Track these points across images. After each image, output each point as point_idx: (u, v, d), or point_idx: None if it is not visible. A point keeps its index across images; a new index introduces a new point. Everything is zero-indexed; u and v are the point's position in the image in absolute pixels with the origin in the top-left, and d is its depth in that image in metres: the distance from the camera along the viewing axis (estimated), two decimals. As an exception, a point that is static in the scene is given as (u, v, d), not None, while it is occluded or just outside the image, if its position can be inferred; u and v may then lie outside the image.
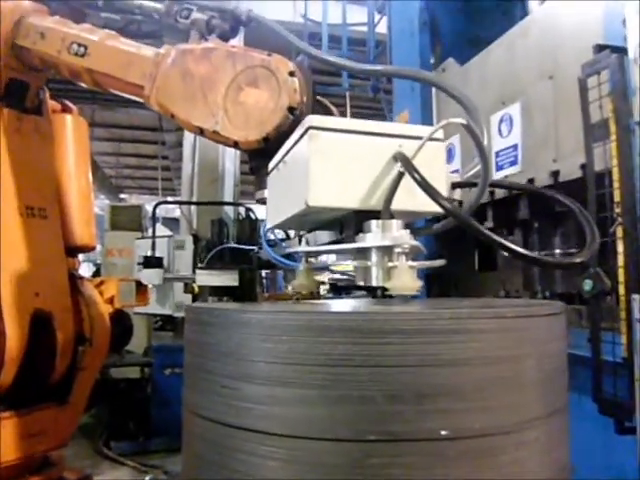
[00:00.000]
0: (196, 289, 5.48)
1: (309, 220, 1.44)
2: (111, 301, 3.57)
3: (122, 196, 17.32)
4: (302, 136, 1.31)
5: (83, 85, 2.55)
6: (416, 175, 1.22)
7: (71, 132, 3.53)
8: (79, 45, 2.35)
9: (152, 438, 5.44)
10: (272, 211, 1.58)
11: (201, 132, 1.98)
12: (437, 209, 1.23)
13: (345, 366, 0.80)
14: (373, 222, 1.27)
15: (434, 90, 4.51)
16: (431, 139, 1.31)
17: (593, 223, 1.39)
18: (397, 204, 1.26)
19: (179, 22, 2.26)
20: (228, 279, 5.16)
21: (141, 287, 3.67)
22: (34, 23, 2.60)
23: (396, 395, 0.79)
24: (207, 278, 5.36)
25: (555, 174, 2.90)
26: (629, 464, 2.41)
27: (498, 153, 3.54)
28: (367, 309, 0.91)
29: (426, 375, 0.80)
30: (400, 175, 1.26)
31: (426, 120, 4.51)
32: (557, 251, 3.26)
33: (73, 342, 3.10)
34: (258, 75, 1.83)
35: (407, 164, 1.24)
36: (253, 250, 4.10)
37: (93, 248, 3.50)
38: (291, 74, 1.77)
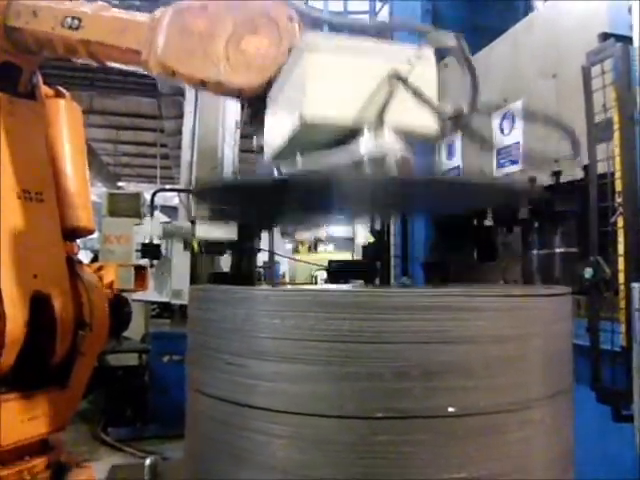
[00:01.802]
0: (195, 247, 5.53)
1: (304, 144, 1.41)
2: (110, 286, 3.56)
3: (120, 184, 17.24)
4: (299, 57, 1.35)
5: (79, 61, 2.55)
6: (410, 86, 1.26)
7: (65, 117, 3.50)
8: (73, 18, 2.35)
9: (149, 424, 5.46)
10: (269, 141, 1.58)
11: (204, 85, 1.99)
12: (428, 126, 1.28)
13: (353, 342, 0.80)
14: (365, 130, 1.27)
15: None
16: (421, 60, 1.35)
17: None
18: (389, 119, 1.27)
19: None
20: (227, 232, 5.19)
21: (140, 272, 3.66)
22: (25, 3, 2.57)
23: (404, 372, 0.79)
24: (206, 230, 5.39)
25: (557, 174, 2.89)
26: (625, 451, 2.43)
27: (499, 151, 3.52)
28: (374, 287, 0.90)
29: (434, 352, 0.80)
30: (392, 91, 1.27)
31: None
32: (557, 250, 3.27)
33: (73, 325, 3.10)
34: (258, 23, 1.86)
35: (401, 79, 1.27)
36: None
37: (92, 231, 3.48)
38: (290, 19, 1.82)
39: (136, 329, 6.66)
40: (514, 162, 3.41)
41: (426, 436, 0.80)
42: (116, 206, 7.61)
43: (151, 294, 6.61)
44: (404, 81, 1.25)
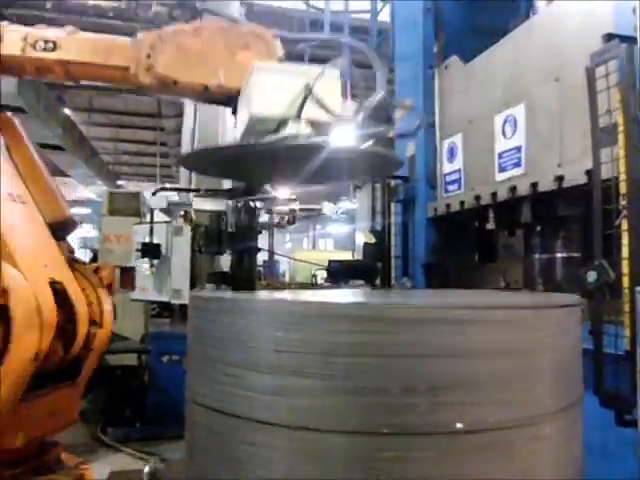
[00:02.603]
0: (194, 217, 5.64)
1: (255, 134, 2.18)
2: (109, 287, 3.56)
3: (120, 182, 17.17)
4: (251, 74, 2.10)
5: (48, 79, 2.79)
6: (311, 93, 2.07)
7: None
8: (46, 42, 2.54)
9: (148, 425, 5.43)
10: (238, 127, 2.30)
11: (206, 89, 2.45)
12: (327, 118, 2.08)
13: (358, 356, 0.77)
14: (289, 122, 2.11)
15: (437, 80, 4.48)
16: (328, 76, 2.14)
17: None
18: (305, 114, 2.07)
19: (139, 16, 2.78)
20: (220, 204, 5.45)
21: (127, 273, 3.66)
22: None
23: (410, 387, 0.76)
24: (202, 204, 5.69)
25: (559, 179, 2.86)
26: (628, 456, 2.41)
27: (501, 154, 3.49)
28: (380, 298, 0.87)
29: (441, 366, 0.77)
30: (306, 96, 2.07)
31: (428, 109, 4.47)
32: (560, 255, 3.25)
33: (88, 317, 3.18)
34: (247, 40, 2.39)
35: (309, 90, 2.07)
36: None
37: (69, 218, 3.47)
38: (274, 37, 2.41)
39: (136, 329, 6.64)
40: (516, 165, 3.39)
41: (433, 453, 0.77)
42: (116, 205, 7.56)
43: (151, 293, 6.58)
44: (310, 91, 2.07)
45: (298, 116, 2.07)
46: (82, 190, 16.67)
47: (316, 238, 26.03)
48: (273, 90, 2.09)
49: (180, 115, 8.18)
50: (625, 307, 2.37)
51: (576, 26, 2.99)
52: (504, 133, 3.54)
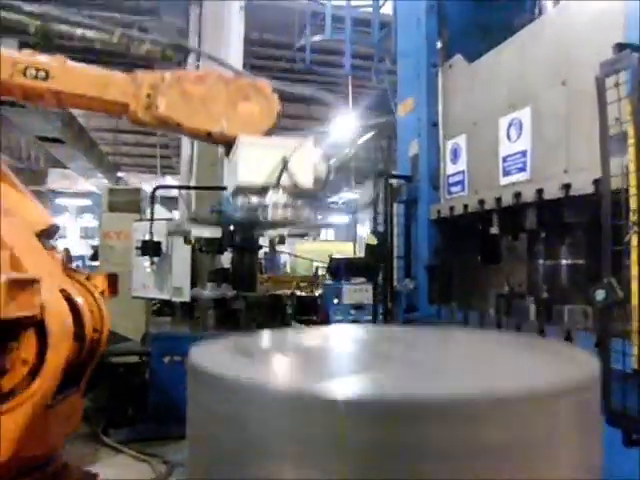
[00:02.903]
0: (192, 241, 5.71)
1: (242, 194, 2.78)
2: (102, 294, 3.57)
3: (120, 174, 17.10)
4: (236, 147, 2.64)
5: (35, 104, 2.81)
6: (285, 169, 2.64)
7: None
8: (37, 69, 2.52)
9: (151, 424, 5.43)
10: (228, 186, 2.99)
11: (208, 135, 2.71)
12: (305, 184, 2.77)
13: (372, 458, 0.68)
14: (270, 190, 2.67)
15: (440, 79, 4.39)
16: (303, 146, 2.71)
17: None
18: (283, 182, 2.65)
19: (130, 52, 2.92)
20: (214, 232, 5.88)
21: (111, 278, 3.70)
22: None
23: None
24: (199, 231, 5.82)
25: (566, 187, 2.80)
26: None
27: (505, 158, 3.42)
28: (406, 386, 0.77)
29: (463, 470, 0.69)
30: (282, 169, 2.60)
31: (431, 107, 4.40)
32: (564, 262, 3.19)
33: (92, 323, 3.29)
34: (248, 92, 2.65)
35: (285, 163, 2.58)
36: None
37: (52, 225, 3.47)
38: (273, 91, 2.71)
39: (137, 327, 6.63)
40: (521, 170, 3.32)
41: None
42: (116, 201, 7.52)
43: (152, 291, 6.57)
44: (286, 164, 2.56)
45: (277, 184, 2.57)
46: (83, 183, 16.61)
47: (317, 229, 26.00)
48: (256, 162, 2.53)
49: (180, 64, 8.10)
50: (634, 326, 2.32)
51: (585, 27, 2.91)
52: (509, 136, 3.47)
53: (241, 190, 2.62)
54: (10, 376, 2.59)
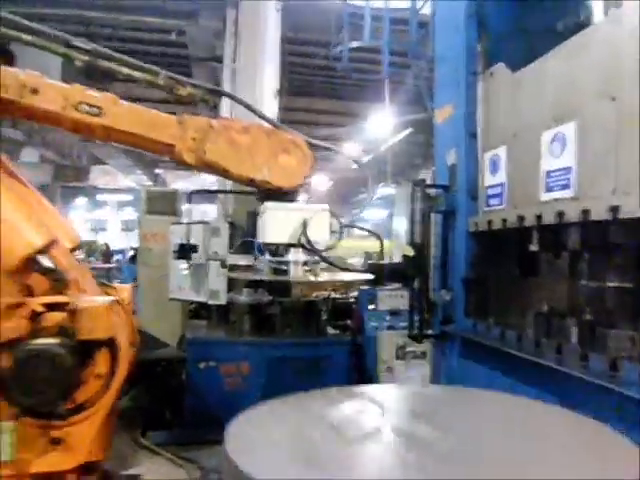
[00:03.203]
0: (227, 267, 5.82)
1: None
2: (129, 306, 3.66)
3: (157, 171, 17.36)
4: (263, 211, 3.48)
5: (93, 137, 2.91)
6: (305, 234, 3.46)
7: None
8: (90, 106, 2.69)
9: (187, 428, 5.51)
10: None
11: (252, 181, 3.07)
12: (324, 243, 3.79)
13: None
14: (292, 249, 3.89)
15: (481, 86, 4.28)
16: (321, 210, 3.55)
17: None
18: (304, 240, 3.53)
19: (174, 93, 3.13)
20: (248, 260, 5.90)
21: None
22: (15, 76, 2.74)
23: None
24: (234, 258, 5.88)
25: (614, 209, 2.68)
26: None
27: (549, 174, 3.30)
28: None
29: None
30: (304, 229, 3.33)
31: (470, 117, 4.29)
32: (610, 284, 3.06)
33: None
34: (287, 146, 2.96)
35: (305, 226, 3.24)
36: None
37: (79, 240, 3.55)
38: (309, 146, 3.03)
39: (173, 330, 6.71)
40: (565, 187, 3.20)
41: None
42: (153, 203, 7.59)
43: (188, 293, 6.63)
44: (305, 226, 3.14)
45: (299, 242, 3.14)
46: (122, 179, 16.97)
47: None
48: (280, 225, 3.08)
49: (216, 107, 8.16)
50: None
51: (638, 39, 2.76)
52: (552, 151, 3.34)
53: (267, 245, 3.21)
54: (84, 389, 2.88)
